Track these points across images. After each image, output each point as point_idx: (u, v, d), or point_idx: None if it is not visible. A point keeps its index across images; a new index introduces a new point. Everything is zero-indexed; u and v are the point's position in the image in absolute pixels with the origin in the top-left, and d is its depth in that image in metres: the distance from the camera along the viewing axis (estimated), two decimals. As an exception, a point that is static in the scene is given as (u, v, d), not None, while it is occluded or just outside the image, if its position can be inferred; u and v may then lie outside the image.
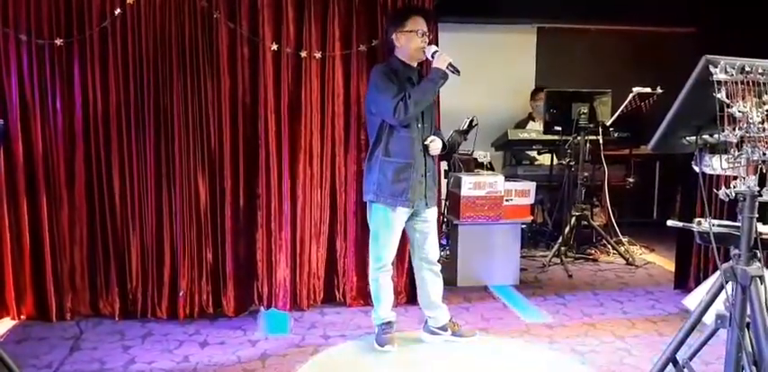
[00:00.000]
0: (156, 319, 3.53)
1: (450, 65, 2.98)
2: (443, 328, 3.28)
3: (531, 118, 5.84)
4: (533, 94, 5.85)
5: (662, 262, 4.96)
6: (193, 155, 3.50)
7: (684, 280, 4.14)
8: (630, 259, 4.92)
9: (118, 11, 3.34)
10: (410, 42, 3.04)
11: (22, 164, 3.39)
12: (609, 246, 5.10)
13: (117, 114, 3.42)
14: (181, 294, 3.54)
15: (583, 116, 4.81)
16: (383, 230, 3.11)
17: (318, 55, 3.55)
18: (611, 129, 5.04)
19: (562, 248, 4.85)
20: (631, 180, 5.56)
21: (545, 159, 5.63)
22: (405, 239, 3.35)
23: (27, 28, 3.31)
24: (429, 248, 3.20)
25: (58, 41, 3.34)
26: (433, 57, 3.03)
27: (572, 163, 4.98)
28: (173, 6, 3.39)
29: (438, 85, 3.02)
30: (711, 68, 1.78)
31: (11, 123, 3.34)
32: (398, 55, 3.10)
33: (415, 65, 3.12)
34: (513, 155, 5.86)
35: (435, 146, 3.11)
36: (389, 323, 3.21)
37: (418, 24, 3.04)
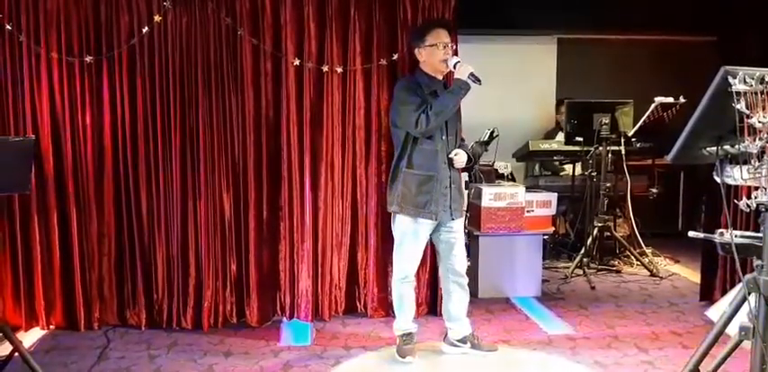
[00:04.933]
0: (182, 329, 3.59)
1: (471, 74, 3.00)
2: (463, 340, 3.27)
3: (560, 127, 5.80)
4: (558, 106, 5.81)
5: (687, 274, 4.89)
6: (218, 168, 3.57)
7: (710, 292, 4.07)
8: (655, 270, 4.86)
9: (145, 29, 3.44)
10: (432, 56, 3.08)
11: (52, 178, 3.48)
12: (632, 257, 5.05)
13: (144, 129, 3.51)
14: (205, 305, 3.59)
15: (604, 126, 4.79)
16: (407, 241, 3.13)
17: (340, 69, 3.60)
18: (633, 140, 5.01)
19: (585, 259, 4.81)
20: (655, 190, 5.51)
21: (569, 169, 5.60)
22: (428, 250, 3.36)
23: (58, 46, 3.42)
24: (455, 259, 3.20)
25: (88, 59, 3.44)
26: (455, 67, 3.05)
27: (594, 174, 4.96)
28: (198, 24, 3.48)
29: (459, 96, 3.03)
30: (730, 79, 1.78)
31: (42, 138, 3.44)
32: (423, 68, 3.14)
33: (440, 77, 3.14)
34: (541, 165, 5.82)
35: (460, 159, 3.12)
36: (410, 334, 3.22)
37: (439, 37, 3.07)
